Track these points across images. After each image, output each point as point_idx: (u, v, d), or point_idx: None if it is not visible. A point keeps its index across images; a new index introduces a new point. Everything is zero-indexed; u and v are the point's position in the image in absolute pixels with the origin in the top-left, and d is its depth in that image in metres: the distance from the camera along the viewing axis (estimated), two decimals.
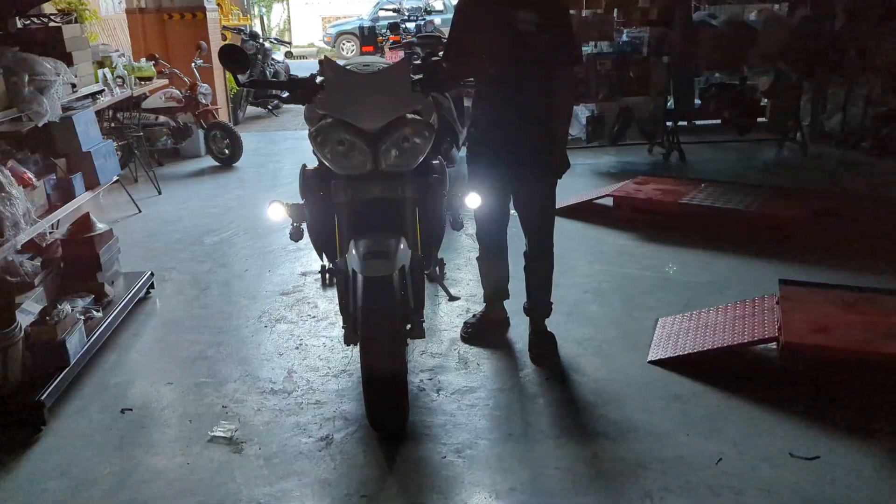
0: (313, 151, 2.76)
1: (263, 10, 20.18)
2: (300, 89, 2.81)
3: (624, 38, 7.11)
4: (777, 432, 2.76)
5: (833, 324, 3.20)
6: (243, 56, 2.84)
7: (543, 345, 3.37)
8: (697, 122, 7.54)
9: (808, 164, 6.89)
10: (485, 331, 3.53)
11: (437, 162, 2.92)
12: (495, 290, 3.56)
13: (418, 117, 2.72)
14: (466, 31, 3.20)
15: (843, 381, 3.03)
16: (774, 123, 7.39)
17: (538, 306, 3.41)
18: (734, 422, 2.83)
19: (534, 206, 3.27)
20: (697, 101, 7.45)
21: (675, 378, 3.14)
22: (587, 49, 7.20)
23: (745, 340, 3.16)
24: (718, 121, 7.42)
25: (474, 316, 3.64)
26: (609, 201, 5.39)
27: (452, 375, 3.22)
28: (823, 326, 3.18)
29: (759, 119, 7.38)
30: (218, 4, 8.94)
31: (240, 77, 3.14)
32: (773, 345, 3.17)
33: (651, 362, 3.26)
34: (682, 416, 2.87)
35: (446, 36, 3.50)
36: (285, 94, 2.89)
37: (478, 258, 3.55)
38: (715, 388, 3.05)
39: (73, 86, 4.27)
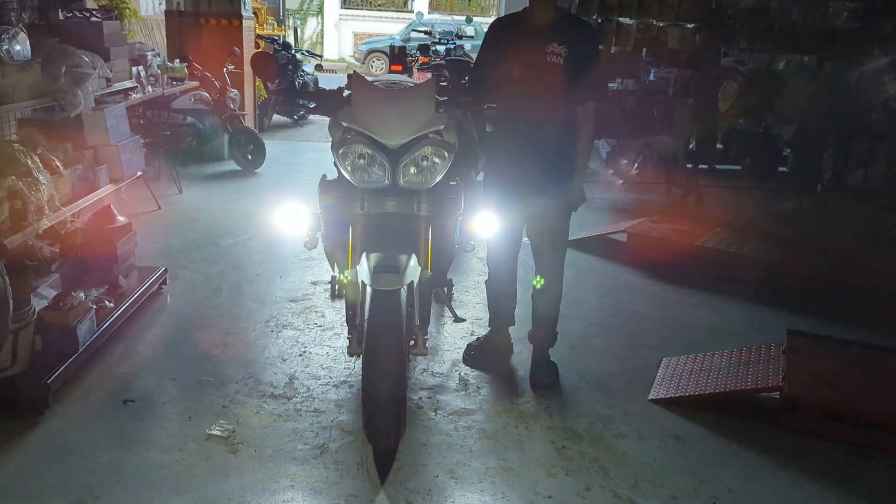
0: (334, 162, 2.81)
1: (298, 22, 20.47)
2: (327, 100, 2.87)
3: (651, 77, 7.17)
4: (773, 482, 2.75)
5: (838, 379, 3.19)
6: (274, 65, 2.91)
7: (545, 373, 3.38)
8: (718, 167, 7.56)
9: (827, 216, 6.87)
10: (488, 355, 3.55)
11: (455, 183, 2.96)
12: (501, 315, 3.58)
13: (440, 137, 2.77)
14: (495, 55, 3.26)
15: (845, 438, 3.01)
16: (795, 173, 7.39)
17: (543, 335, 3.42)
18: (731, 467, 2.83)
19: (546, 235, 3.30)
20: (720, 146, 7.48)
21: (675, 418, 3.13)
22: (613, 86, 7.26)
23: (749, 387, 3.16)
24: (739, 167, 7.43)
25: (478, 339, 3.66)
26: (623, 237, 5.41)
27: (451, 396, 3.23)
28: (828, 380, 3.17)
29: (781, 168, 7.39)
30: (254, 13, 9.10)
31: (269, 85, 3.21)
32: (777, 394, 3.17)
33: (652, 401, 3.26)
34: (679, 457, 2.87)
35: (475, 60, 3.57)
36: (312, 105, 2.94)
37: (486, 282, 3.58)
38: (715, 432, 3.05)
39: (108, 80, 4.37)
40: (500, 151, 3.33)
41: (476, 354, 3.55)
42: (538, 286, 3.35)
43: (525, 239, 3.40)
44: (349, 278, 2.81)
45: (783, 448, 2.95)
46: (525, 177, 3.19)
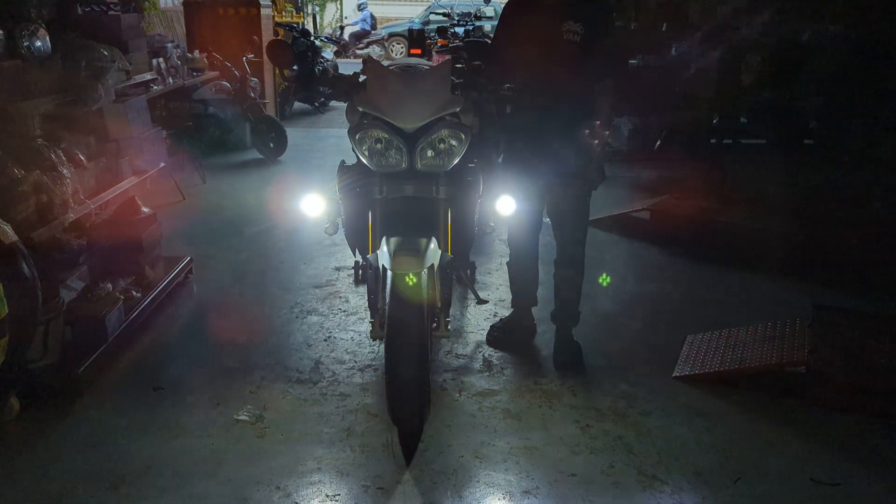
0: (352, 148, 2.82)
1: (317, 8, 20.44)
2: (344, 85, 2.88)
3: (672, 52, 7.07)
4: (800, 456, 2.74)
5: (865, 352, 3.16)
6: (289, 51, 2.93)
7: (568, 353, 3.38)
8: (742, 141, 7.44)
9: (853, 189, 6.74)
10: (511, 335, 3.56)
11: (473, 165, 2.96)
12: (523, 296, 3.58)
13: (456, 120, 2.77)
14: (511, 36, 3.24)
15: (873, 410, 2.98)
16: (821, 146, 7.25)
17: (566, 314, 3.42)
18: (757, 443, 2.82)
19: (567, 214, 3.28)
20: (743, 120, 7.36)
21: (700, 395, 3.12)
22: (634, 62, 7.17)
23: (774, 362, 3.14)
24: (764, 141, 7.31)
25: (501, 320, 3.67)
26: (646, 215, 5.36)
27: (475, 377, 3.25)
28: (855, 353, 3.14)
29: (807, 141, 7.26)
30: (272, 1, 9.12)
31: (285, 72, 3.22)
32: (802, 369, 3.14)
33: (676, 378, 3.25)
34: (704, 433, 2.86)
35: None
36: (330, 91, 2.96)
37: (508, 262, 3.58)
38: (740, 408, 3.03)
39: (128, 73, 4.41)
40: (519, 132, 3.32)
41: (499, 335, 3.56)
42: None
43: (546, 219, 3.39)
44: (370, 262, 2.83)
45: (809, 423, 2.93)
46: (544, 157, 3.17)
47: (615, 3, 6.93)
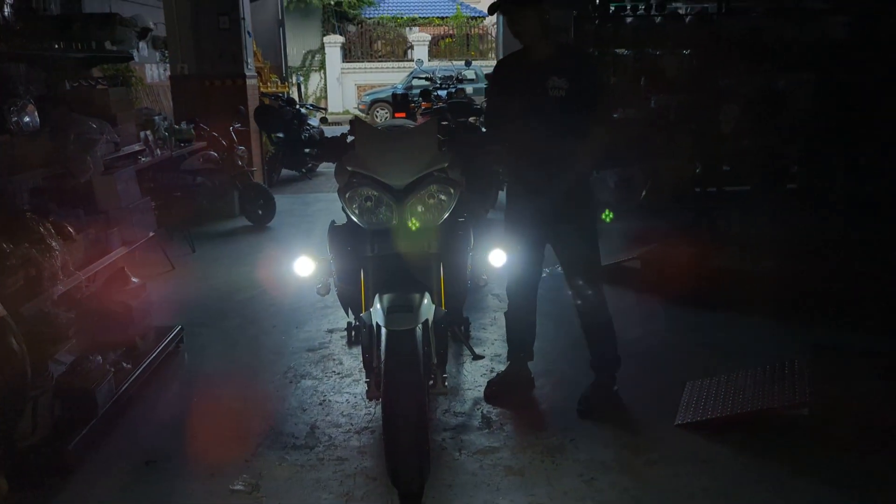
0: (342, 207, 2.83)
1: (301, 78, 20.85)
2: (331, 146, 2.91)
3: (651, 104, 7.21)
4: (807, 498, 2.68)
5: (867, 390, 3.13)
6: (276, 115, 2.96)
7: (597, 399, 3.34)
8: (726, 188, 7.54)
9: (838, 230, 6.80)
10: (509, 390, 3.51)
11: (463, 219, 2.97)
12: (520, 348, 3.55)
13: (444, 175, 2.79)
14: (501, 95, 3.31)
15: (879, 449, 2.93)
16: (804, 190, 7.35)
17: (604, 361, 3.39)
18: (762, 488, 2.77)
19: (579, 262, 3.29)
20: (726, 168, 7.46)
21: (703, 441, 3.08)
22: (615, 116, 7.30)
23: (776, 405, 3.10)
24: (747, 187, 7.40)
25: (498, 375, 3.62)
26: (637, 264, 5.37)
27: (475, 435, 3.19)
28: (858, 392, 3.11)
29: (790, 185, 7.36)
30: (257, 72, 9.28)
31: (273, 137, 3.26)
32: (806, 410, 3.10)
33: (679, 426, 3.20)
34: (710, 480, 2.81)
35: (477, 103, 3.63)
36: (317, 151, 2.99)
37: (506, 313, 3.56)
38: (744, 453, 2.99)
39: (116, 145, 4.45)
40: (517, 188, 3.36)
41: (497, 390, 3.51)
42: None
43: (546, 270, 3.38)
44: (363, 321, 2.81)
45: (815, 464, 2.88)
46: (545, 211, 3.20)
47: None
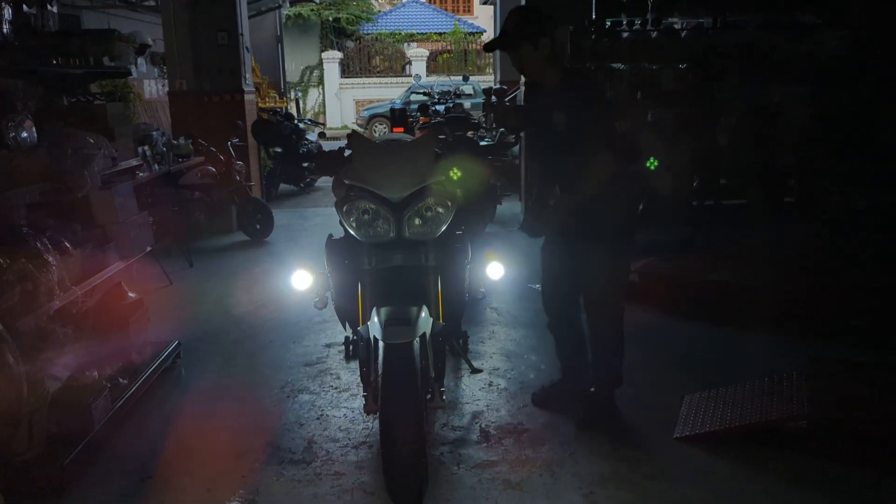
0: (340, 221, 2.83)
1: (299, 93, 20.92)
2: (328, 160, 2.92)
3: (648, 118, 7.23)
4: None
5: (865, 402, 3.12)
6: (274, 129, 2.97)
7: (595, 413, 3.34)
8: (723, 202, 7.55)
9: (835, 243, 6.81)
10: (556, 399, 3.52)
11: (460, 232, 2.98)
12: (567, 366, 3.56)
13: (442, 188, 2.79)
14: (525, 122, 3.42)
15: (876, 461, 2.92)
16: (801, 203, 7.36)
17: (608, 373, 3.39)
18: (762, 499, 2.75)
19: (605, 288, 3.31)
20: (722, 181, 7.48)
21: (702, 454, 3.06)
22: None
23: (774, 417, 3.09)
24: (744, 200, 7.42)
25: (552, 382, 3.63)
26: (635, 278, 5.37)
27: (473, 449, 3.17)
28: (855, 404, 3.10)
29: (786, 199, 7.38)
30: (256, 87, 9.31)
31: (270, 151, 3.27)
32: (804, 422, 3.09)
33: (677, 439, 3.19)
34: (709, 494, 2.79)
35: (474, 118, 3.68)
36: (314, 165, 3.00)
37: (548, 324, 3.56)
38: (743, 465, 2.97)
39: (114, 159, 4.45)
40: (542, 202, 3.37)
41: (544, 396, 3.55)
42: None
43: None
44: (361, 335, 2.80)
45: (812, 475, 2.87)
46: (576, 240, 3.21)
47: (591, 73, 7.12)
